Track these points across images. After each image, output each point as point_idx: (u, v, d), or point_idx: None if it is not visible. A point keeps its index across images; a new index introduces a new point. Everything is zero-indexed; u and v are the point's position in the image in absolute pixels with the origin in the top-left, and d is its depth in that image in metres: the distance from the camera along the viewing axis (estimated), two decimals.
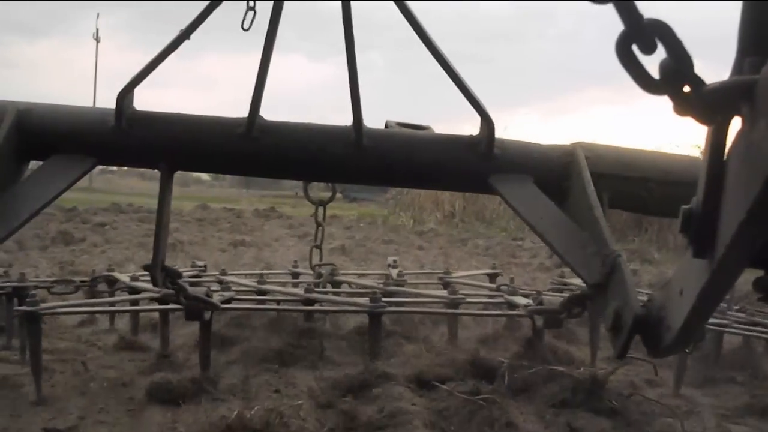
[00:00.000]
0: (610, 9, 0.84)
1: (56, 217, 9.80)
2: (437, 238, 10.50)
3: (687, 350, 2.49)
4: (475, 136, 1.88)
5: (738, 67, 0.85)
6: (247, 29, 1.79)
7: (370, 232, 10.93)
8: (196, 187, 25.49)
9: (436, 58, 1.80)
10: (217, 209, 13.63)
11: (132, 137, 1.81)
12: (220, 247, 8.08)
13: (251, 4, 1.81)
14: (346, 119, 1.87)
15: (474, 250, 9.06)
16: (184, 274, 3.90)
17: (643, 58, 0.84)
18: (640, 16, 0.83)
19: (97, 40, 31.01)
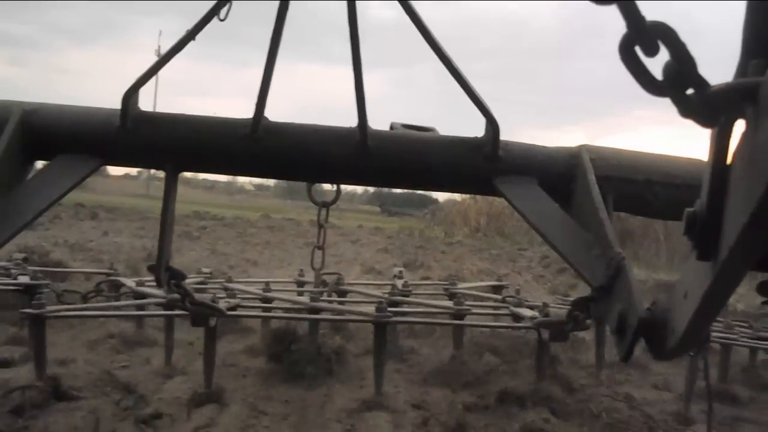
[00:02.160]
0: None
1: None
2: (461, 248, 13.30)
3: (691, 353, 2.49)
4: (480, 137, 1.87)
5: (742, 69, 0.84)
6: (223, 19, 1.77)
7: (407, 241, 14.12)
8: (240, 197, 26.54)
9: (441, 59, 1.79)
10: (278, 219, 16.40)
11: (137, 138, 1.82)
12: (297, 245, 10.95)
13: None
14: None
15: (486, 256, 11.70)
16: (189, 281, 3.96)
17: (648, 61, 0.84)
18: (641, 17, 0.82)
19: (159, 55, 31.06)
